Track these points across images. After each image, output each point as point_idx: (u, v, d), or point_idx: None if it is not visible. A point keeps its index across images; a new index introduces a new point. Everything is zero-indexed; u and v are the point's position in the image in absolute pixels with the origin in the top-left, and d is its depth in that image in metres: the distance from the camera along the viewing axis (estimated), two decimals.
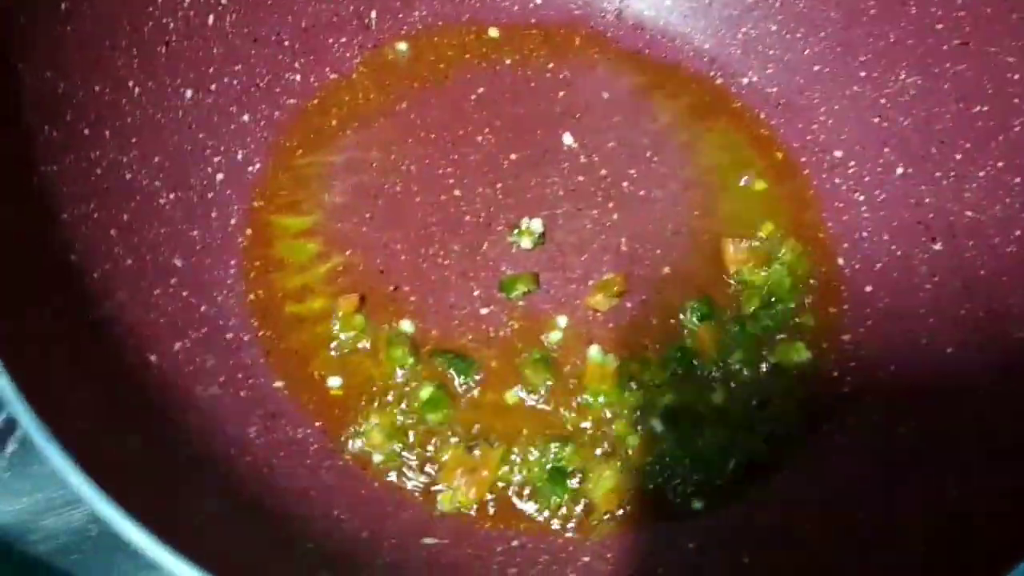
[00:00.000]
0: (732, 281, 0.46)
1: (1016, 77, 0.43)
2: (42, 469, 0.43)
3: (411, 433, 0.40)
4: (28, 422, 0.26)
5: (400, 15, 0.51)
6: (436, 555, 0.37)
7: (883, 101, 0.48)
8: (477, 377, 0.42)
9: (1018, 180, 0.42)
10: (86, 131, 0.38)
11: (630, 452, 0.41)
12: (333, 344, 0.42)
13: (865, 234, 0.47)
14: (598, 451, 0.41)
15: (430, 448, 0.40)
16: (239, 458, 0.36)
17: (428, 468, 0.40)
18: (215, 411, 0.37)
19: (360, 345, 0.42)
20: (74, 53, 0.38)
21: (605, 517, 0.39)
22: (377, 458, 0.40)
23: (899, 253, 0.46)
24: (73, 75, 0.38)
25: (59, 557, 0.41)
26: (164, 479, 0.31)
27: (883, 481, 0.39)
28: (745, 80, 0.52)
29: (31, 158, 0.35)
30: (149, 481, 0.29)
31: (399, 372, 0.42)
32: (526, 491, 0.40)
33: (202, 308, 0.41)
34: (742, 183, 0.49)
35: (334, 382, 0.41)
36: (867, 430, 0.41)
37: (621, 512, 0.39)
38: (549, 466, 0.40)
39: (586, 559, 0.38)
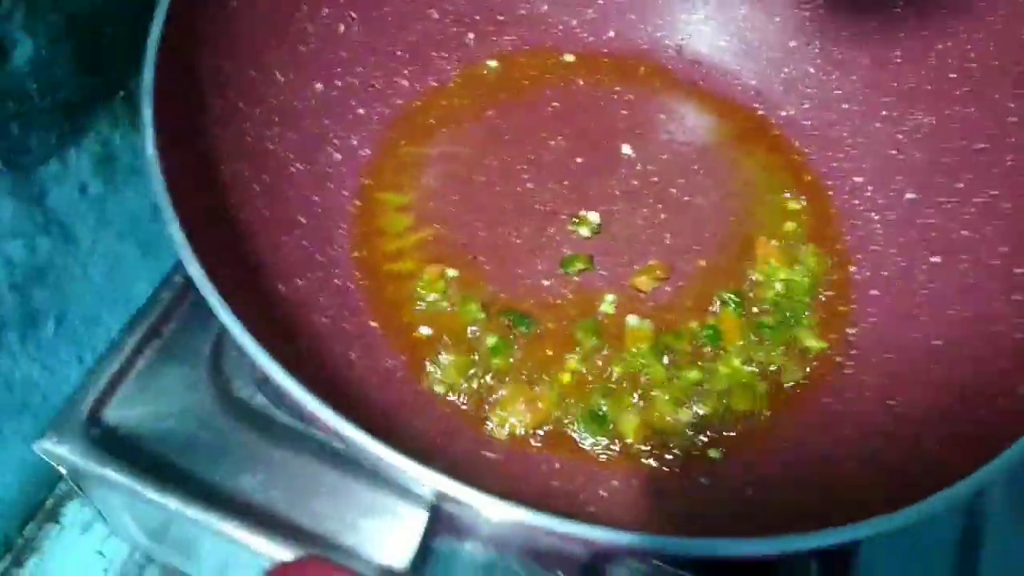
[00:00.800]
0: (758, 276, 0.54)
1: (1013, 120, 0.51)
2: (162, 384, 0.51)
3: (478, 371, 0.49)
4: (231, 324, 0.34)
5: (493, 38, 0.61)
6: (494, 464, 0.45)
7: (900, 136, 0.56)
8: (537, 331, 0.50)
9: (1008, 205, 0.50)
10: (241, 106, 0.48)
11: (660, 404, 0.48)
12: (419, 300, 0.51)
13: (876, 248, 0.55)
14: (633, 400, 0.48)
15: (493, 384, 0.48)
16: (344, 370, 0.45)
17: (491, 399, 0.48)
18: (325, 335, 0.46)
19: (441, 303, 0.51)
20: (237, 43, 0.48)
21: (634, 453, 0.47)
22: (450, 388, 0.48)
23: (903, 264, 0.53)
24: (235, 61, 0.48)
25: (175, 454, 0.49)
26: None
27: (872, 444, 0.46)
28: (784, 112, 0.60)
29: (203, 124, 0.45)
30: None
31: (471, 327, 0.50)
32: (570, 427, 0.48)
33: (317, 257, 0.50)
34: (783, 204, 0.57)
35: (419, 329, 0.50)
36: (863, 402, 0.49)
37: (648, 450, 0.47)
38: (591, 411, 0.48)
39: (615, 483, 0.45)
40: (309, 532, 0.48)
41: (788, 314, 0.52)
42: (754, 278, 0.54)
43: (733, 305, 0.52)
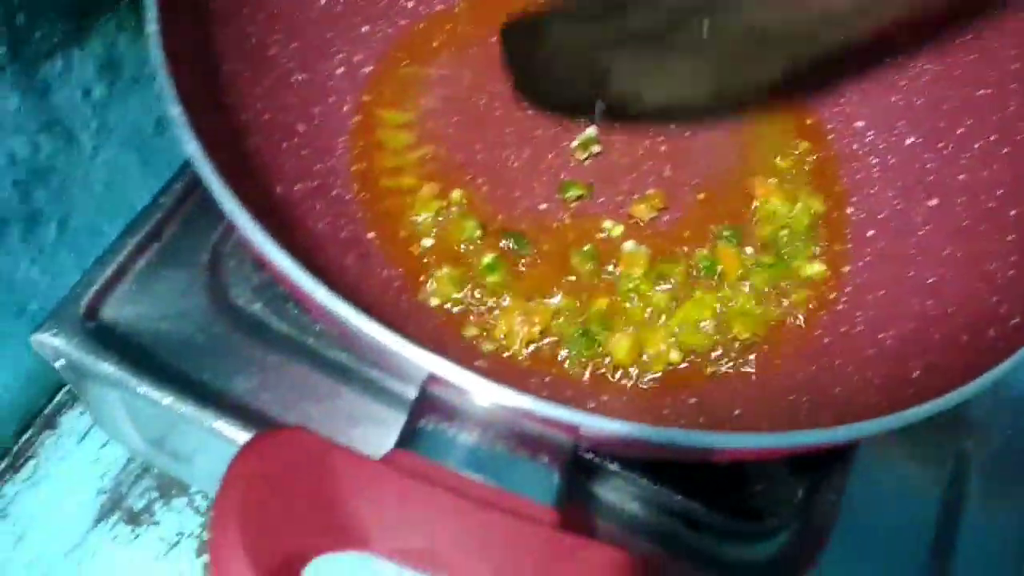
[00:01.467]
0: (757, 214, 0.54)
1: (1016, 67, 0.51)
2: (160, 286, 0.52)
3: (472, 286, 0.49)
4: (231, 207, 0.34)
5: None
6: (483, 372, 0.45)
7: (903, 83, 0.56)
8: (533, 252, 0.50)
9: (1007, 150, 0.50)
10: (245, 10, 0.48)
11: (652, 329, 0.49)
12: (417, 215, 0.51)
13: (874, 190, 0.55)
14: (624, 323, 0.49)
15: (487, 300, 0.49)
16: (338, 276, 0.45)
17: (484, 314, 0.48)
18: (321, 240, 0.46)
19: (439, 219, 0.51)
20: None
21: (622, 372, 0.47)
22: (444, 301, 0.49)
23: (900, 207, 0.54)
24: None
25: (170, 355, 0.50)
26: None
27: (863, 374, 0.46)
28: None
29: (205, 17, 0.45)
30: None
31: (467, 244, 0.51)
32: (561, 345, 0.48)
33: (316, 166, 0.50)
34: (784, 144, 0.57)
35: (417, 243, 0.50)
36: (855, 336, 0.49)
37: (636, 371, 0.48)
38: (582, 331, 0.48)
39: (604, 398, 0.46)
40: None
41: (785, 251, 0.53)
42: (753, 216, 0.54)
43: (730, 239, 0.52)
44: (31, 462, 0.61)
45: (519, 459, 0.33)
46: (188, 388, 0.48)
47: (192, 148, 0.35)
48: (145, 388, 0.48)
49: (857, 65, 0.58)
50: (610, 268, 0.51)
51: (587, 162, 0.54)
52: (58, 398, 0.63)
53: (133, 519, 0.59)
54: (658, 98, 0.53)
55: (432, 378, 0.33)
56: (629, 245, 0.51)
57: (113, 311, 0.51)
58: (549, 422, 0.33)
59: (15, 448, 0.61)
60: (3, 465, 0.60)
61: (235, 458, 0.30)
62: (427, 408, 0.34)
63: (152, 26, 0.38)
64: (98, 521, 0.60)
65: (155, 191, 0.55)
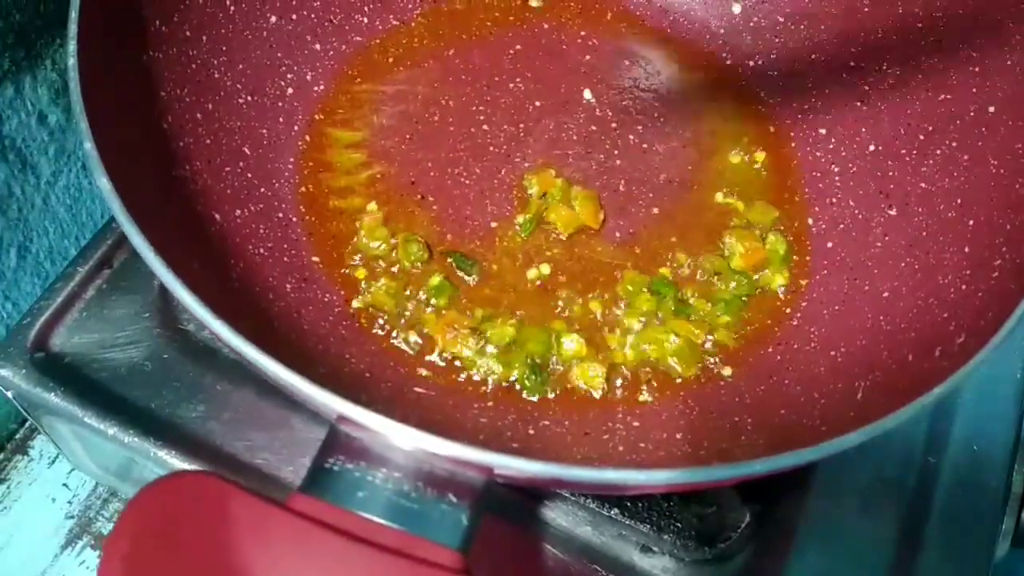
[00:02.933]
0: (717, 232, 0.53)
1: (976, 69, 0.50)
2: (111, 313, 0.52)
3: (416, 310, 0.48)
4: (140, 244, 0.34)
5: None
6: (423, 400, 0.45)
7: (866, 88, 0.55)
8: (480, 275, 0.50)
9: (967, 157, 0.49)
10: (188, 32, 0.47)
11: (603, 349, 0.48)
12: (363, 238, 0.50)
13: (835, 200, 0.54)
14: (568, 346, 0.48)
15: (433, 323, 0.48)
16: (275, 302, 0.45)
17: (429, 337, 0.48)
18: (260, 265, 0.46)
19: (384, 244, 0.50)
20: None
21: (565, 396, 0.47)
22: (387, 324, 0.48)
23: (860, 217, 0.52)
24: None
25: (117, 383, 0.50)
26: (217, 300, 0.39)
27: (811, 394, 0.45)
28: (751, 63, 0.59)
29: (144, 43, 0.44)
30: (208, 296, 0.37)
31: (413, 268, 0.50)
32: (509, 368, 0.47)
33: (262, 189, 0.49)
34: (744, 154, 0.56)
35: (361, 267, 0.50)
36: (807, 354, 0.48)
37: (582, 390, 0.47)
38: (528, 353, 0.48)
39: (545, 423, 0.45)
40: (245, 463, 0.48)
41: (737, 284, 0.51)
42: (705, 225, 0.53)
43: (683, 261, 0.51)
44: (1, 487, 0.61)
45: (427, 500, 0.32)
46: (134, 418, 0.48)
47: (103, 183, 0.35)
48: (91, 419, 0.48)
49: (820, 66, 0.57)
50: (559, 290, 0.50)
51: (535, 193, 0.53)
52: (30, 422, 0.63)
53: (101, 543, 0.59)
54: None
55: (341, 417, 0.33)
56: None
57: (62, 340, 0.51)
58: (459, 462, 0.32)
59: None
60: None
61: (129, 504, 0.30)
62: (335, 448, 0.33)
63: (71, 59, 0.38)
64: (66, 546, 0.60)
65: None
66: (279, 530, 0.30)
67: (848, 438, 0.34)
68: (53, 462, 0.64)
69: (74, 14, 0.39)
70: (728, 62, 0.60)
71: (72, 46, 0.38)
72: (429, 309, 0.48)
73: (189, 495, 0.30)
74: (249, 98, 0.51)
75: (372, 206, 0.51)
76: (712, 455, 0.42)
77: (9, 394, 0.50)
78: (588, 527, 0.47)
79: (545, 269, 0.50)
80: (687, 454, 0.42)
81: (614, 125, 0.56)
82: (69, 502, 0.62)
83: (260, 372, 0.33)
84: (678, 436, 0.44)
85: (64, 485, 0.63)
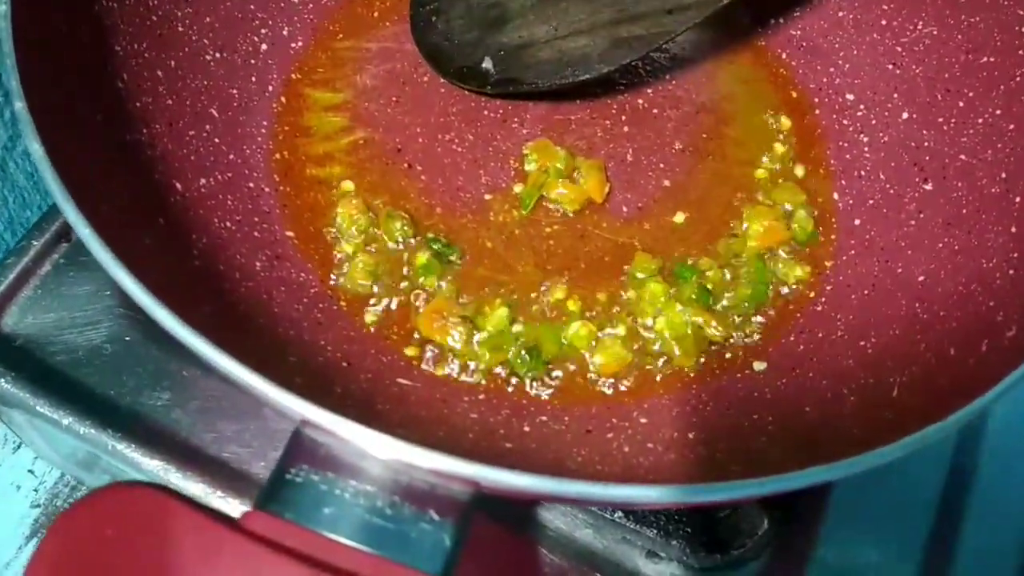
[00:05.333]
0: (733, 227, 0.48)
1: (1023, 30, 0.44)
2: (68, 291, 0.48)
3: (399, 289, 0.44)
4: (74, 219, 0.29)
5: None
6: (407, 393, 0.40)
7: (899, 49, 0.50)
8: (463, 259, 0.45)
9: (1012, 127, 0.44)
10: None
11: (600, 341, 0.43)
12: (341, 213, 0.46)
13: (863, 172, 0.49)
14: (565, 332, 0.43)
15: (418, 305, 0.44)
16: (241, 282, 0.40)
17: (413, 322, 0.43)
18: (227, 241, 0.41)
19: (363, 217, 0.46)
20: None
21: (563, 388, 0.42)
22: (366, 307, 0.43)
23: (892, 191, 0.47)
24: None
25: (74, 368, 0.46)
26: (172, 281, 0.34)
27: (840, 390, 0.41)
28: (771, 20, 0.54)
29: None
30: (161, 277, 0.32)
31: (395, 245, 0.45)
32: (501, 355, 0.43)
33: (230, 156, 0.45)
34: (766, 121, 0.51)
35: (340, 243, 0.45)
36: (834, 344, 0.43)
37: (583, 384, 0.42)
38: (521, 339, 0.43)
39: (543, 418, 0.41)
40: (211, 456, 0.44)
41: (755, 269, 0.46)
42: (724, 202, 0.48)
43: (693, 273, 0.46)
44: None
45: (404, 518, 0.28)
46: (92, 407, 0.44)
47: (35, 148, 0.30)
48: (45, 408, 0.43)
49: (847, 24, 0.52)
50: (558, 269, 0.45)
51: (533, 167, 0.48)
52: None
53: None
54: (551, 51, 0.47)
55: (304, 422, 0.28)
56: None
57: (14, 320, 0.46)
58: (441, 475, 0.28)
59: None
60: None
61: (53, 525, 0.25)
62: (298, 455, 0.29)
63: (2, 6, 0.33)
64: (31, 537, 0.56)
65: None
66: (231, 555, 0.26)
67: (888, 450, 0.29)
68: (18, 448, 0.59)
69: None
70: (746, 20, 0.54)
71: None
72: (416, 291, 0.44)
73: (125, 513, 0.26)
74: (218, 55, 0.46)
75: (348, 184, 0.46)
76: (729, 458, 0.37)
77: None
78: (589, 530, 0.43)
79: (544, 247, 0.46)
80: (700, 457, 0.37)
81: (621, 87, 0.51)
82: (35, 490, 0.58)
83: (210, 367, 0.29)
84: (690, 435, 0.39)
85: (30, 472, 0.59)
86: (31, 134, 0.30)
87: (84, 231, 0.28)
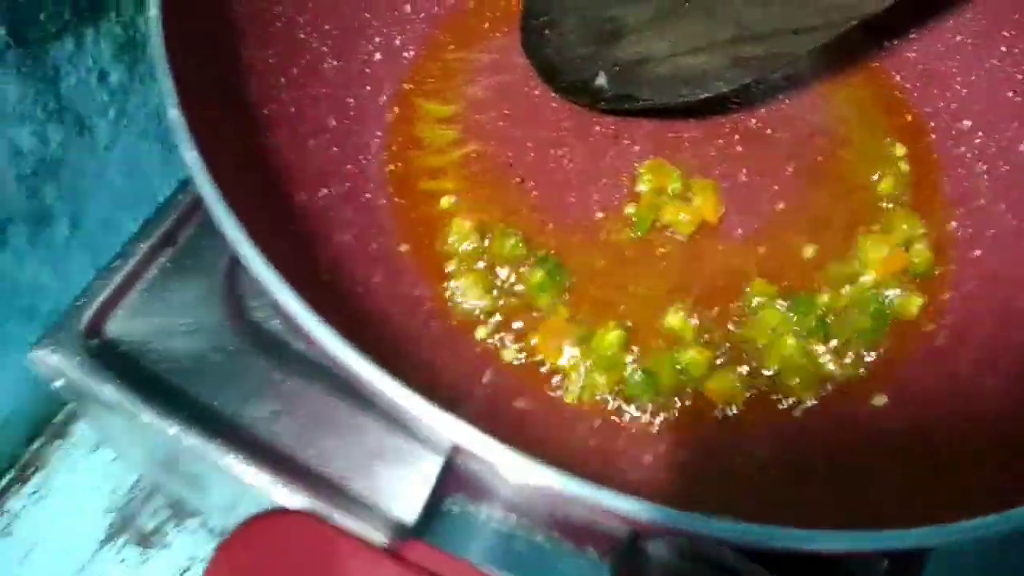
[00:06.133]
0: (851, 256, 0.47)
1: None
2: (173, 297, 0.47)
3: (513, 310, 0.43)
4: (218, 209, 0.29)
5: None
6: (525, 416, 0.39)
7: (1020, 76, 0.49)
8: (572, 281, 0.44)
9: None
10: None
11: (714, 370, 0.42)
12: (452, 228, 0.45)
13: (983, 202, 0.48)
14: (680, 359, 0.42)
15: (531, 325, 0.43)
16: (363, 297, 0.40)
17: (527, 343, 0.42)
18: (347, 255, 0.41)
19: (478, 236, 0.45)
20: None
21: (679, 419, 0.41)
22: (481, 326, 0.43)
23: (1014, 223, 0.46)
24: None
25: (177, 376, 0.45)
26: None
27: (962, 431, 0.40)
28: (886, 41, 0.53)
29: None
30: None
31: (509, 263, 0.44)
32: (616, 382, 0.42)
33: (347, 166, 0.44)
34: (882, 146, 0.50)
35: (453, 258, 0.44)
36: (955, 380, 0.42)
37: (696, 415, 0.41)
38: (639, 368, 0.42)
39: (662, 447, 0.40)
40: (315, 472, 0.43)
41: (872, 300, 0.45)
42: (841, 232, 0.47)
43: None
44: (39, 474, 0.57)
45: (560, 551, 0.27)
46: (196, 415, 0.43)
47: (192, 158, 0.30)
48: (149, 416, 0.43)
49: (966, 49, 0.51)
50: (674, 292, 0.44)
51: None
52: (70, 405, 0.59)
53: (143, 541, 0.55)
54: (667, 67, 0.46)
55: (458, 449, 0.27)
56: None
57: (119, 326, 0.46)
58: (591, 507, 0.27)
59: (24, 458, 0.57)
60: (10, 477, 0.56)
61: (221, 546, 0.25)
62: (453, 485, 0.28)
63: (153, 10, 0.33)
64: (106, 542, 0.56)
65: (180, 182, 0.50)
66: None
67: None
68: (96, 448, 0.59)
69: None
70: (861, 41, 0.53)
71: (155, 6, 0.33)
72: (528, 310, 0.43)
73: (288, 538, 0.25)
74: (335, 63, 0.46)
75: (460, 200, 0.45)
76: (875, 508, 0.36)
77: (59, 383, 0.45)
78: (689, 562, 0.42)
79: (658, 269, 0.45)
80: (847, 492, 0.36)
81: (734, 105, 0.50)
82: (111, 494, 0.58)
83: (362, 388, 0.28)
84: (812, 475, 0.38)
85: (106, 475, 0.58)
86: (186, 142, 0.30)
87: (249, 251, 0.28)
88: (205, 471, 0.46)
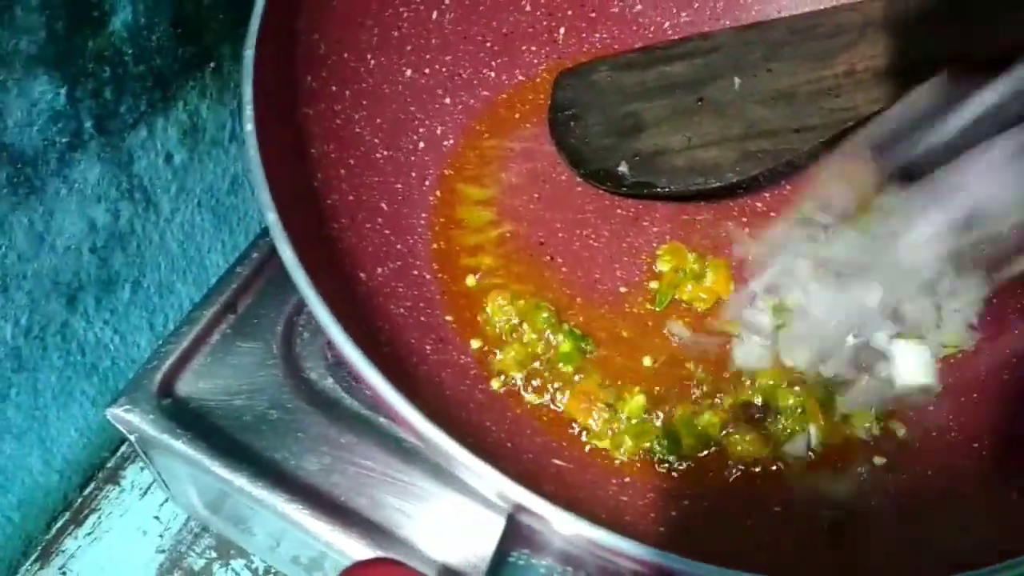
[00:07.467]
0: None
1: None
2: (235, 360, 0.52)
3: (547, 376, 0.48)
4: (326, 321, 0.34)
5: (584, 35, 0.60)
6: (562, 473, 0.44)
7: None
8: (596, 353, 0.49)
9: None
10: (334, 88, 0.48)
11: (735, 433, 0.47)
12: (490, 302, 0.50)
13: None
14: (704, 417, 0.47)
15: (563, 390, 0.48)
16: (419, 366, 0.44)
17: (561, 406, 0.47)
18: (402, 326, 0.46)
19: (511, 308, 0.50)
20: (336, 24, 0.47)
21: (703, 474, 0.46)
22: (519, 391, 0.48)
23: None
24: (331, 42, 0.47)
25: (240, 432, 0.50)
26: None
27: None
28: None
29: (296, 99, 0.44)
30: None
31: (540, 333, 0.49)
32: (642, 440, 0.47)
33: (398, 246, 0.49)
34: None
35: (491, 328, 0.49)
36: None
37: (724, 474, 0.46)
38: (665, 427, 0.47)
39: (685, 503, 0.45)
40: (369, 521, 0.47)
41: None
42: None
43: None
44: (92, 516, 0.61)
45: None
46: (260, 469, 0.48)
47: (285, 253, 0.35)
48: (218, 468, 0.48)
49: None
50: (690, 365, 0.49)
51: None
52: (122, 450, 0.63)
53: None
54: (683, 159, 0.52)
55: (520, 508, 0.32)
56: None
57: (187, 386, 0.50)
58: (636, 559, 0.32)
59: (78, 502, 0.61)
60: (66, 518, 0.60)
61: None
62: (518, 539, 0.33)
63: (248, 126, 0.38)
64: None
65: (226, 247, 0.55)
66: None
67: None
68: (145, 493, 0.63)
69: (248, 74, 0.39)
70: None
71: (248, 111, 0.38)
72: (560, 377, 0.48)
73: None
74: (386, 152, 0.51)
75: (496, 277, 0.51)
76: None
77: (132, 437, 0.50)
78: None
79: (677, 335, 0.50)
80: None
81: (740, 191, 0.56)
82: (160, 535, 0.62)
83: (433, 455, 0.33)
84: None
85: (155, 518, 0.62)
86: (283, 241, 0.35)
87: (339, 336, 0.33)
88: (259, 515, 0.50)
